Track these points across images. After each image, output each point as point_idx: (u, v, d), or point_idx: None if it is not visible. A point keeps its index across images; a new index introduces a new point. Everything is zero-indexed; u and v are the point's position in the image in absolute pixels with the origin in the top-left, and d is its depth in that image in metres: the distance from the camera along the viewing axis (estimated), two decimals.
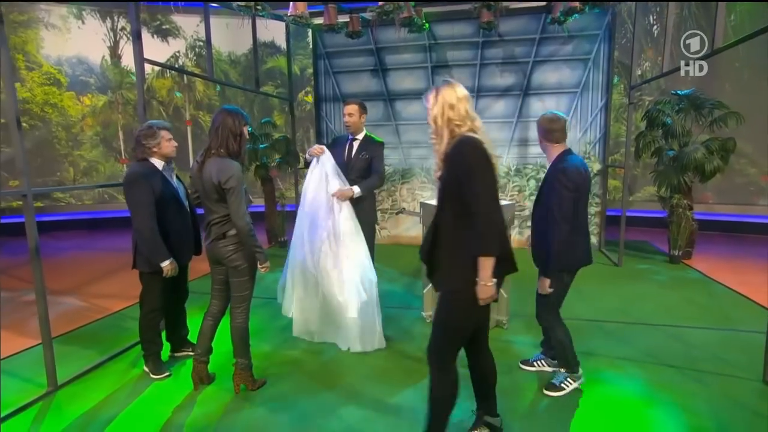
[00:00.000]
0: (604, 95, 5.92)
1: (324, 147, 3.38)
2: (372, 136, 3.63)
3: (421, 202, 4.02)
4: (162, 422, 2.52)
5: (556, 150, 2.60)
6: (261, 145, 6.43)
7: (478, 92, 6.34)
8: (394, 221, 6.84)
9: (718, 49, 3.37)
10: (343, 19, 5.48)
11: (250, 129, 6.57)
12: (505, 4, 4.53)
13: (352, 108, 3.54)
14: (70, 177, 8.74)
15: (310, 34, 8.62)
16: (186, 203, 3.01)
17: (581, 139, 6.11)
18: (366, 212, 3.51)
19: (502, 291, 3.71)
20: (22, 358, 3.34)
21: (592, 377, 2.92)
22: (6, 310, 4.41)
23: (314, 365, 3.15)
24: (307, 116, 8.92)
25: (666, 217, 5.57)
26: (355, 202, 3.37)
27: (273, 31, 8.46)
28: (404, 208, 4.13)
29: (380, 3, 3.89)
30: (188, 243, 3.03)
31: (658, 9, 7.53)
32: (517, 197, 6.38)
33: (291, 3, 4.10)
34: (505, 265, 1.93)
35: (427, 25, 5.54)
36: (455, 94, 1.89)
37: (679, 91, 5.63)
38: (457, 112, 1.86)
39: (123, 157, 9.06)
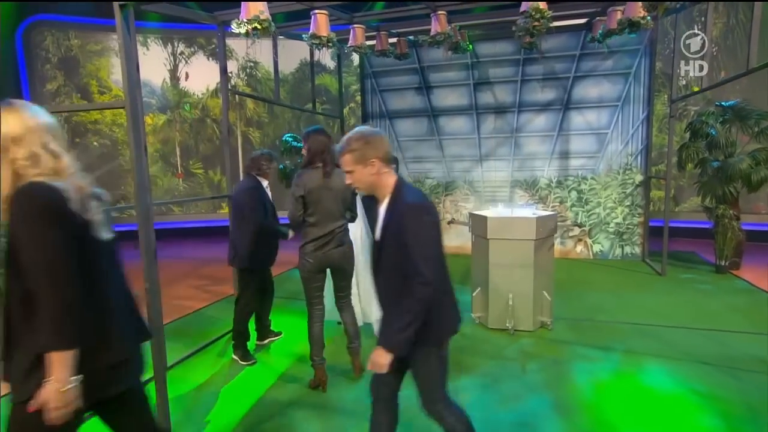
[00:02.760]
0: (646, 108, 6.29)
1: None
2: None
3: (469, 213, 4.55)
4: (256, 398, 3.13)
5: (390, 179, 1.85)
6: None
7: (519, 107, 6.82)
8: None
9: (752, 69, 3.74)
10: (391, 40, 6.11)
11: (301, 145, 7.31)
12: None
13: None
14: (132, 191, 9.70)
15: (354, 54, 9.40)
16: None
17: (622, 151, 6.48)
18: None
19: (545, 293, 4.20)
20: None
21: (629, 371, 3.34)
22: None
23: None
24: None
25: (712, 227, 5.84)
26: None
27: (318, 51, 9.22)
28: (453, 219, 4.66)
29: (432, 34, 4.48)
30: (276, 247, 3.70)
31: (703, 19, 7.82)
32: (559, 208, 6.79)
33: (351, 34, 4.76)
34: (107, 357, 1.42)
35: (471, 46, 6.10)
36: (21, 122, 1.34)
37: (723, 102, 5.93)
38: (25, 147, 1.32)
39: (179, 172, 10.01)
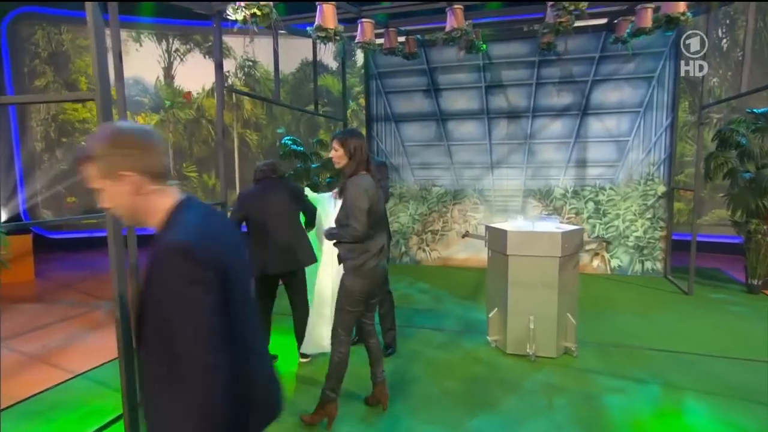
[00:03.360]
0: (670, 114, 5.98)
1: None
2: (375, 158, 3.48)
3: (486, 226, 4.20)
4: None
5: (163, 201, 1.24)
6: (313, 165, 6.78)
7: (533, 112, 6.51)
8: (444, 242, 7.02)
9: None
10: (400, 39, 5.81)
11: (301, 148, 6.98)
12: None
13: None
14: None
15: (358, 53, 9.09)
16: None
17: (644, 160, 6.16)
18: None
19: (569, 316, 3.86)
20: None
21: (670, 408, 2.99)
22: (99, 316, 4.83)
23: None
24: None
25: (742, 243, 5.51)
26: None
27: (320, 49, 8.92)
28: (468, 232, 4.32)
29: (448, 30, 4.16)
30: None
31: (728, 21, 7.55)
32: (575, 220, 6.46)
33: (359, 29, 4.44)
34: None
35: (484, 46, 5.80)
36: None
37: (755, 110, 5.61)
38: None
39: (172, 175, 9.62)
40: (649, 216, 6.18)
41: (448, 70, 6.78)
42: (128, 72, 9.17)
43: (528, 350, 3.78)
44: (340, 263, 2.81)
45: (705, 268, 6.47)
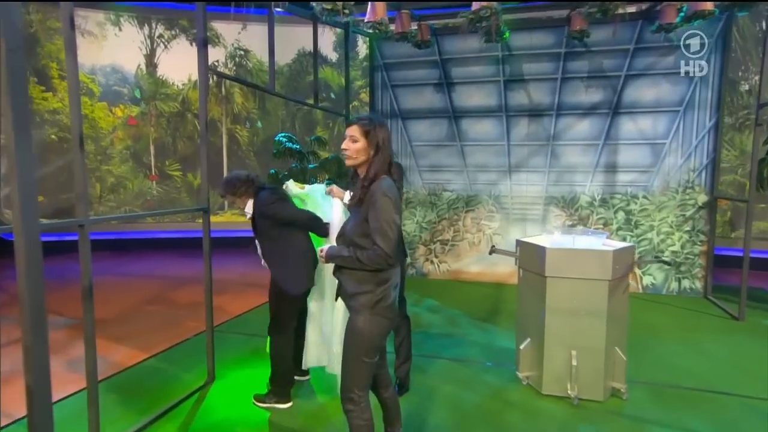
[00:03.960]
0: (714, 114, 5.46)
1: (343, 193, 2.91)
2: None
3: (518, 241, 3.64)
4: None
5: None
6: (310, 165, 6.21)
7: (558, 110, 5.98)
8: (454, 253, 6.46)
9: None
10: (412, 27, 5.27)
11: (297, 146, 6.41)
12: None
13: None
14: (96, 194, 8.74)
15: (360, 44, 8.53)
16: None
17: (683, 166, 5.64)
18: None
19: (617, 350, 3.30)
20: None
21: None
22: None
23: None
24: None
25: None
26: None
27: (319, 39, 8.37)
28: (495, 247, 3.76)
29: (474, 8, 3.60)
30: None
31: None
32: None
33: (369, 7, 3.86)
34: None
35: (507, 34, 5.26)
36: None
37: None
38: None
39: (153, 174, 9.02)
40: (688, 228, 5.65)
41: (463, 62, 6.24)
42: (106, 58, 8.56)
43: (569, 391, 3.22)
44: (338, 298, 2.18)
45: (748, 288, 5.92)
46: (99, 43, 8.29)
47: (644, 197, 5.80)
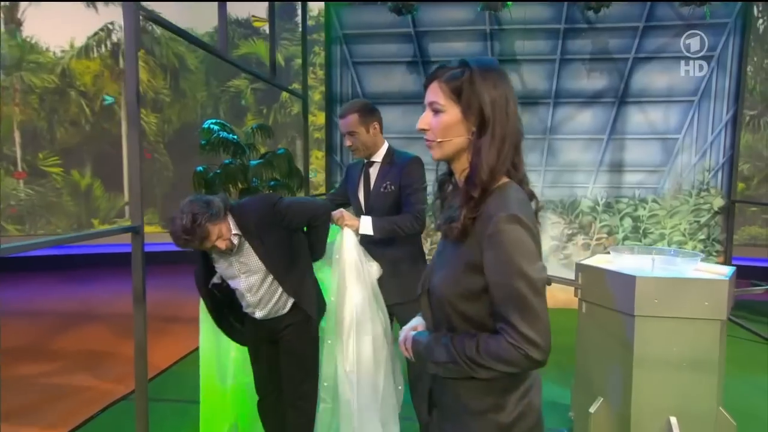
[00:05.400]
0: (732, 105, 5.11)
1: (356, 221, 2.43)
2: (400, 151, 2.63)
3: (578, 264, 2.83)
4: None
5: None
6: (252, 161, 5.02)
7: (556, 98, 5.37)
8: None
9: None
10: None
11: (235, 138, 5.20)
12: None
13: (349, 121, 2.47)
14: None
15: (310, 6, 7.37)
16: None
17: (697, 165, 5.24)
18: (405, 276, 2.48)
19: (723, 411, 2.59)
20: None
21: None
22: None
23: None
24: (293, 122, 7.56)
25: None
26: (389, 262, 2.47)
27: (248, 5, 7.15)
28: (551, 278, 2.90)
29: None
30: None
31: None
32: (605, 242, 5.38)
33: None
34: None
35: (510, 2, 4.54)
36: None
37: None
38: None
39: (19, 170, 7.19)
40: (702, 237, 5.26)
41: (443, 36, 5.43)
42: None
43: None
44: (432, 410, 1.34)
45: (756, 301, 5.67)
46: None
47: (654, 201, 5.33)
